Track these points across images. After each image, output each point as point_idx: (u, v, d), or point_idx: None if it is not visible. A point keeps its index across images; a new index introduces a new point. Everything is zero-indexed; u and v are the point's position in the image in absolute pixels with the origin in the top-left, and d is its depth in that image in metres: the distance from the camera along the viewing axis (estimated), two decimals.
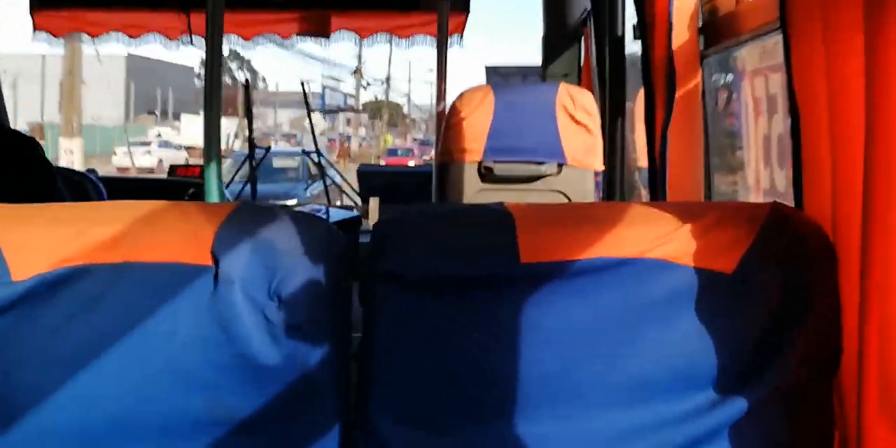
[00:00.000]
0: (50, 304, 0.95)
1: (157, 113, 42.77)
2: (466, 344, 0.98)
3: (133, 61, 41.86)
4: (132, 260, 0.96)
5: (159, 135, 33.85)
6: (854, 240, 0.92)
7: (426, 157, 23.08)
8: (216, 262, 0.95)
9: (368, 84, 38.71)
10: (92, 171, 3.61)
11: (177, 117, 38.40)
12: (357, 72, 37.41)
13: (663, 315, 0.98)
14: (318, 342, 0.98)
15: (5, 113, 3.32)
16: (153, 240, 0.97)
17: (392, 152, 28.95)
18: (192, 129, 31.61)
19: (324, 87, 39.81)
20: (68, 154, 17.28)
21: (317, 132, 4.89)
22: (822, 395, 1.00)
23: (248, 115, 4.08)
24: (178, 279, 0.95)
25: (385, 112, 46.17)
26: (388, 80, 42.93)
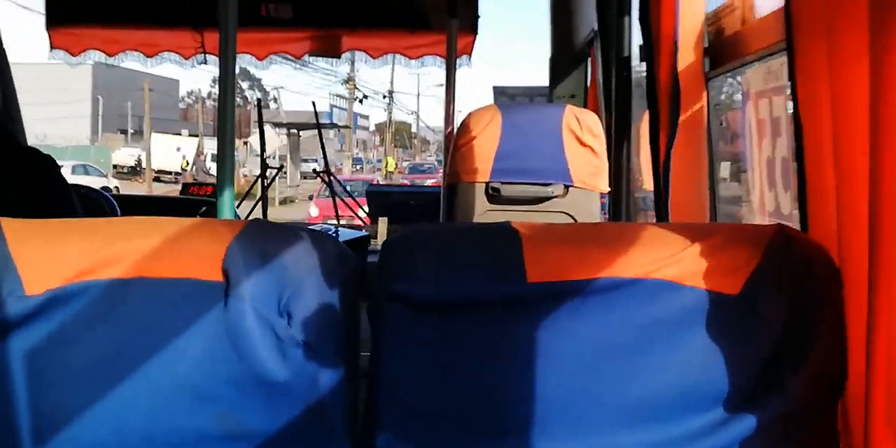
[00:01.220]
0: (62, 318, 0.95)
1: (129, 131, 35.34)
2: (474, 363, 0.98)
3: (102, 71, 32.81)
4: (144, 275, 0.96)
5: (139, 161, 27.19)
6: (860, 262, 0.92)
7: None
8: (227, 278, 0.96)
9: (365, 97, 34.58)
10: (106, 188, 3.63)
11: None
12: (349, 81, 32.94)
13: (670, 336, 0.97)
14: (326, 360, 0.98)
15: (23, 130, 3.35)
16: (165, 256, 0.98)
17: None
18: (161, 150, 26.23)
19: (331, 106, 37.38)
20: None
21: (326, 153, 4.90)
22: (828, 417, 1.00)
23: (261, 134, 4.10)
24: (190, 295, 0.96)
25: (387, 131, 41.57)
26: (390, 94, 38.42)
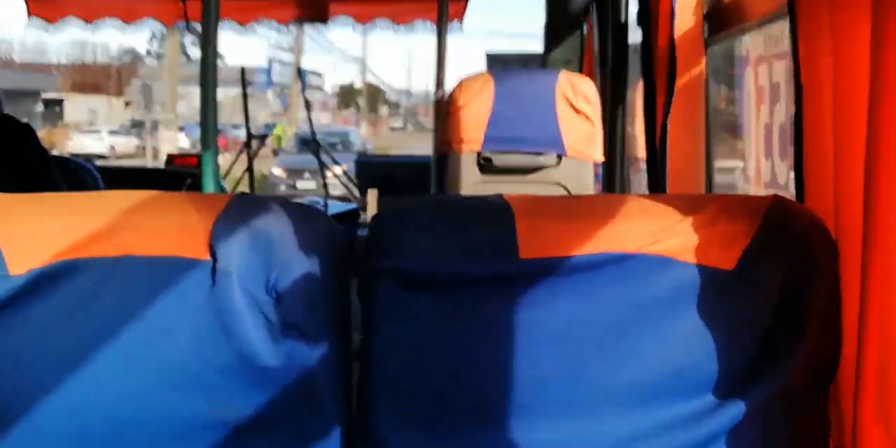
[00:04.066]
0: (47, 298, 0.94)
1: None
2: (466, 342, 0.97)
3: None
4: (129, 253, 0.95)
5: None
6: (856, 234, 0.90)
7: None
8: (213, 255, 0.94)
9: None
10: (89, 160, 3.59)
11: None
12: None
13: (664, 313, 0.96)
14: (316, 340, 0.96)
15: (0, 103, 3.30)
16: (150, 232, 0.96)
17: None
18: None
19: (270, 61, 29.88)
20: None
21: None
22: (820, 398, 0.99)
23: (245, 103, 4.05)
24: (176, 273, 0.94)
25: (294, 83, 25.66)
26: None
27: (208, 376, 0.94)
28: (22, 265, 0.93)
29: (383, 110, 44.28)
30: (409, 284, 0.98)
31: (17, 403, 0.93)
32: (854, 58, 0.90)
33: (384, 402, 0.98)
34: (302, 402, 0.96)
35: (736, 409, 0.95)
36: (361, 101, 40.05)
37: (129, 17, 4.20)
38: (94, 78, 27.92)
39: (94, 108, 26.41)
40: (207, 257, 0.94)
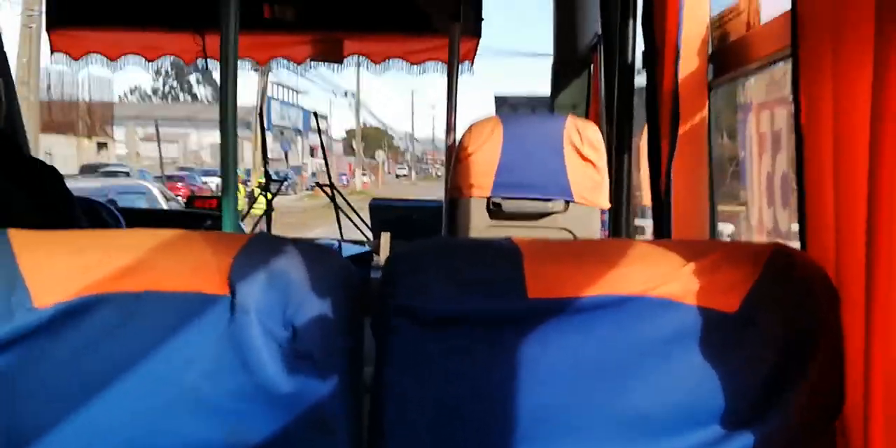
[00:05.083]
0: (70, 331, 0.96)
1: None
2: (475, 378, 1.00)
3: None
4: (151, 289, 0.98)
5: None
6: (857, 281, 0.91)
7: None
8: (233, 291, 0.97)
9: None
10: (112, 201, 3.61)
11: None
12: None
13: (667, 353, 0.98)
14: (330, 373, 0.99)
15: (26, 140, 3.34)
16: (172, 269, 0.99)
17: None
18: None
19: (269, 100, 26.37)
20: None
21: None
22: (826, 436, 1.00)
23: (263, 145, 4.08)
24: (196, 308, 0.97)
25: (256, 114, 18.77)
26: None
27: (225, 404, 0.96)
28: (47, 299, 0.96)
29: (380, 155, 41.26)
30: (421, 321, 1.01)
31: (39, 431, 0.95)
32: (855, 103, 0.92)
33: (394, 434, 1.00)
34: (314, 431, 0.98)
35: (740, 445, 0.96)
36: (356, 145, 36.34)
37: (151, 54, 4.26)
38: (64, 116, 23.17)
39: (49, 149, 21.16)
40: (227, 293, 0.97)
